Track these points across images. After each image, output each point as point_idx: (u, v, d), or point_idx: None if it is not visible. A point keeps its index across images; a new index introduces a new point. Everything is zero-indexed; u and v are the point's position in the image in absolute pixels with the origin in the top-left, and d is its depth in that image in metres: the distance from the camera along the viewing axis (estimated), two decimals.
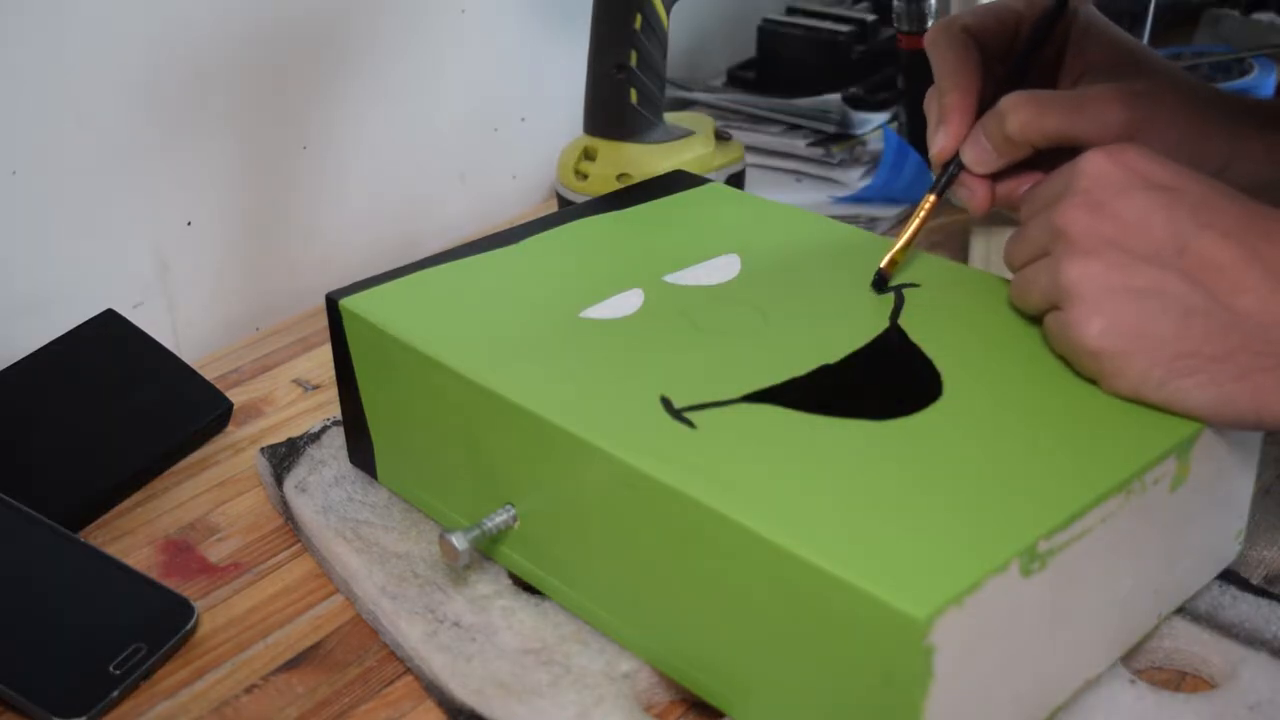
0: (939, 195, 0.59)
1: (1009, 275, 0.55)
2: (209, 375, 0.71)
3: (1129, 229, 0.47)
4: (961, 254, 0.84)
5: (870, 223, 0.89)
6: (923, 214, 0.59)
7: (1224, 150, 0.56)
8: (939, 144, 0.58)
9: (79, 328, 0.68)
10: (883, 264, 0.58)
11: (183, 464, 0.67)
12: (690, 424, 0.49)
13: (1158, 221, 0.47)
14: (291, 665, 0.54)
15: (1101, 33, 0.59)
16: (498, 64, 0.94)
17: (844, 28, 1.05)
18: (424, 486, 0.58)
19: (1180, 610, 0.52)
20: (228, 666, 0.54)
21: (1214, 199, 0.47)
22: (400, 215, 0.91)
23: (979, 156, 0.57)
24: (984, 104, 0.58)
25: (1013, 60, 0.59)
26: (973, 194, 0.58)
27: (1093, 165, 0.48)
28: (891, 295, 0.57)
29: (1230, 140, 0.56)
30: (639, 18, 0.77)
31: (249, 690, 0.53)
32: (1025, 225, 0.52)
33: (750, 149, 0.94)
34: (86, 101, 0.71)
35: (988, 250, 0.83)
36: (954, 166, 0.58)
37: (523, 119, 0.97)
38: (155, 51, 0.74)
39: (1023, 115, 0.55)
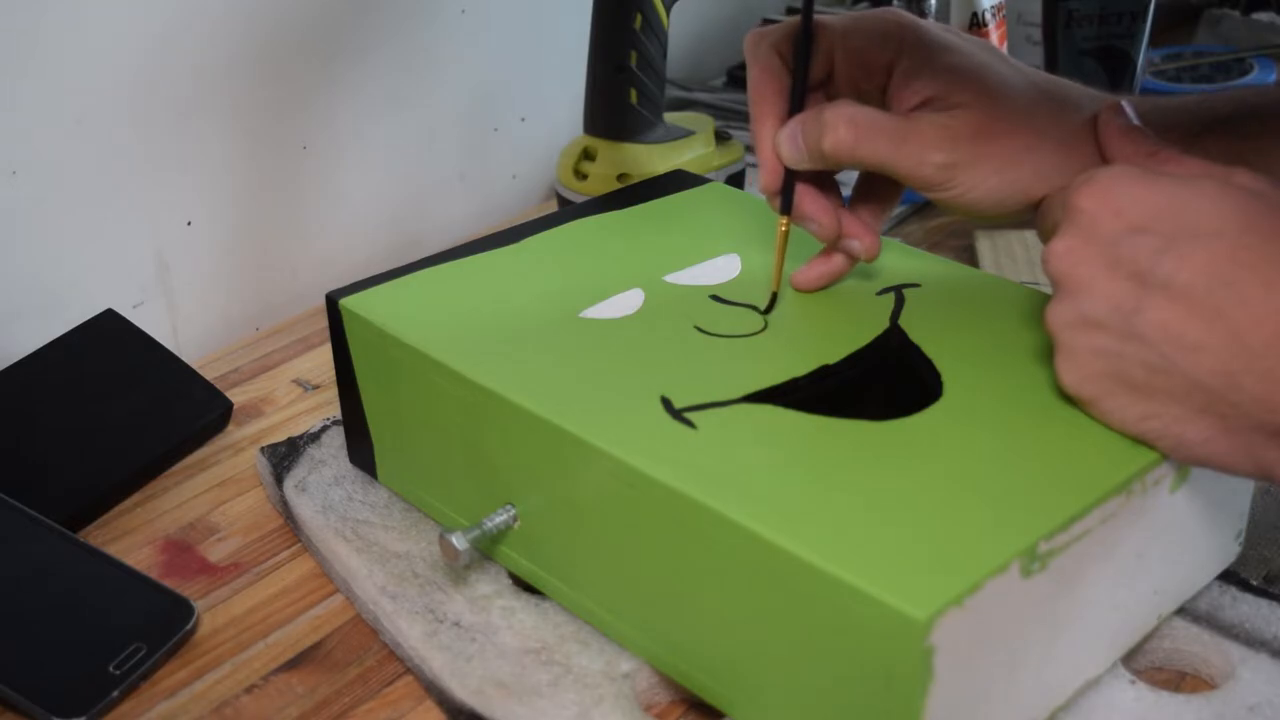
0: (788, 214, 0.57)
1: (1015, 277, 0.54)
2: (209, 375, 0.71)
3: (1091, 291, 0.45)
4: (961, 254, 0.84)
5: None
6: (781, 238, 0.57)
7: (1042, 187, 0.53)
8: (760, 182, 0.57)
9: (79, 328, 0.68)
10: (774, 287, 0.57)
11: (183, 464, 0.67)
12: (690, 424, 0.49)
13: (1118, 291, 0.45)
14: (291, 665, 0.54)
15: (936, 58, 0.54)
16: (498, 64, 0.94)
17: None
18: (424, 486, 0.58)
19: (1180, 610, 0.52)
20: (228, 666, 0.54)
21: (1189, 245, 0.44)
22: (400, 215, 0.91)
23: (792, 155, 0.55)
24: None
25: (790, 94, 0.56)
26: (819, 225, 0.56)
27: (1086, 202, 0.46)
28: (891, 295, 0.57)
29: (1052, 174, 0.53)
30: (639, 18, 0.77)
31: (249, 690, 0.53)
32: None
33: (750, 149, 0.94)
34: (86, 101, 0.71)
35: (995, 253, 0.83)
36: (787, 180, 0.56)
37: (523, 119, 0.97)
38: (155, 51, 0.74)
39: (841, 135, 0.53)
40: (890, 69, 0.55)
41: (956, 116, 0.53)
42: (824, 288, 0.58)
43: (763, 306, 0.57)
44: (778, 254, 0.57)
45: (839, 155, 0.53)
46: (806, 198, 0.56)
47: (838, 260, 0.58)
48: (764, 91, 0.56)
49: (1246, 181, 0.45)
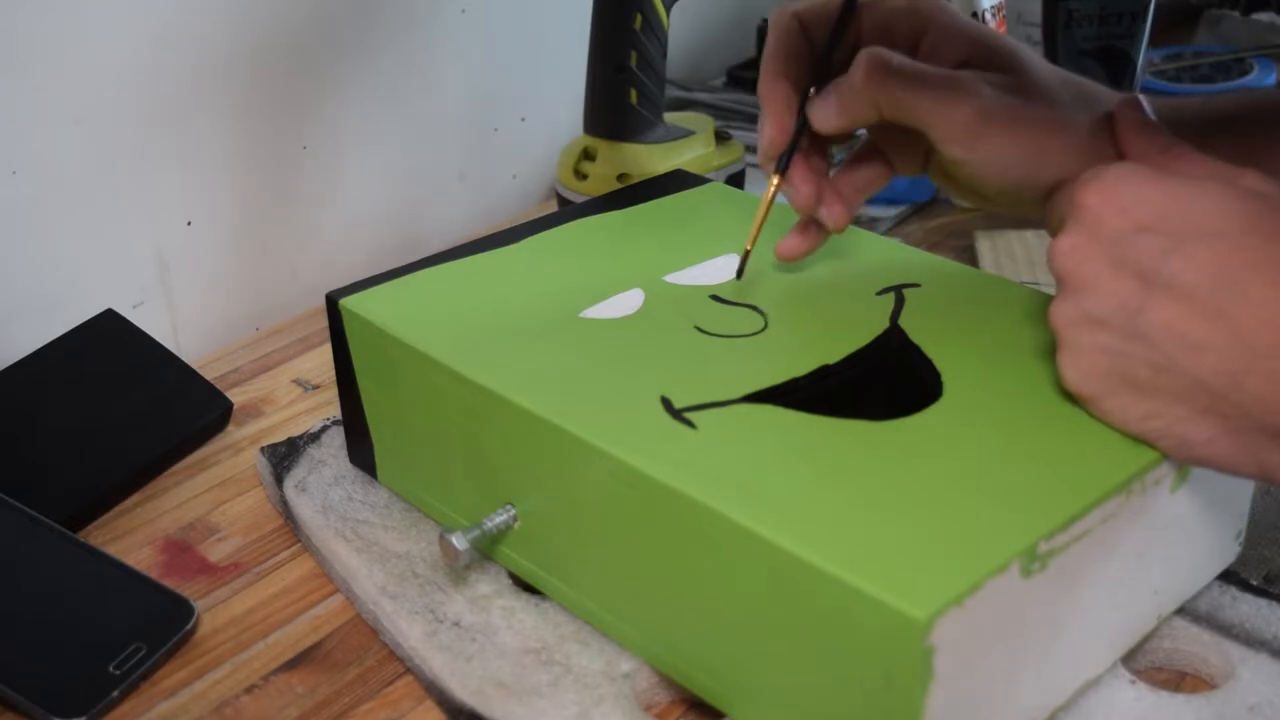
0: (782, 174, 0.57)
1: (1015, 277, 0.54)
2: (209, 375, 0.71)
3: (1096, 290, 0.45)
4: (962, 254, 0.84)
5: (870, 223, 0.89)
6: (769, 198, 0.58)
7: (1061, 169, 0.52)
8: (764, 136, 0.57)
9: (79, 328, 0.68)
10: (748, 245, 0.59)
11: (183, 464, 0.67)
12: (690, 424, 0.49)
13: (1123, 289, 0.45)
14: (291, 665, 0.54)
15: (963, 31, 0.55)
16: (498, 64, 0.94)
17: None
18: (424, 486, 0.58)
19: (1180, 610, 0.52)
20: (228, 666, 0.54)
21: (1194, 245, 0.44)
22: (400, 215, 0.91)
23: (824, 115, 0.55)
24: (805, 94, 0.57)
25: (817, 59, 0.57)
26: (796, 191, 0.57)
27: (1092, 199, 0.46)
28: (891, 295, 0.57)
29: (1074, 159, 0.52)
30: (639, 18, 0.77)
31: (249, 690, 0.53)
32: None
33: (750, 149, 0.94)
34: (86, 101, 0.71)
35: (995, 253, 0.83)
36: (793, 140, 0.56)
37: (523, 119, 0.97)
38: (155, 51, 0.74)
39: (872, 70, 0.52)
40: (917, 43, 0.56)
41: (995, 77, 0.53)
42: (803, 257, 0.59)
43: (763, 307, 0.57)
44: (760, 213, 0.58)
45: (868, 88, 0.53)
46: (794, 166, 0.57)
47: (813, 232, 0.59)
48: (778, 54, 0.57)
49: (1254, 183, 0.45)
